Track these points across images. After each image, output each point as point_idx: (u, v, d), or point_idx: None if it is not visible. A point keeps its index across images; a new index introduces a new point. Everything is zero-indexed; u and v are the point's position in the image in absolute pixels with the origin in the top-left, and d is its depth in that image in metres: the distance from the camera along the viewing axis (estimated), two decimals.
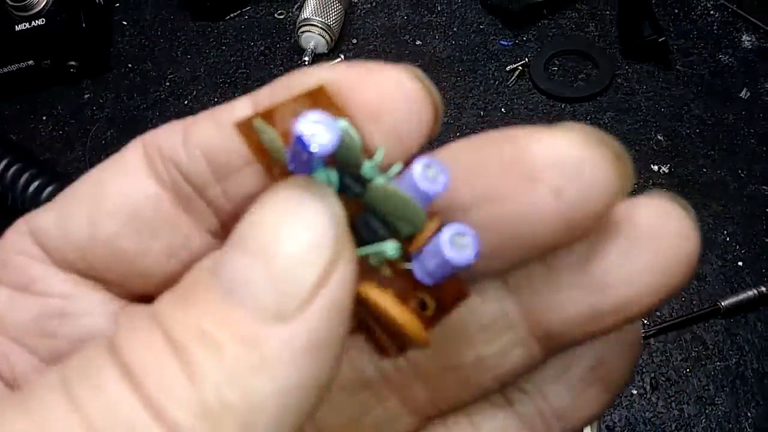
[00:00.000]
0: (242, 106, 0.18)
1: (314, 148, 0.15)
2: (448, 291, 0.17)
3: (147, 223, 0.18)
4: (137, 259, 0.18)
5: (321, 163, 0.16)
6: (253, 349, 0.14)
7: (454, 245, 0.15)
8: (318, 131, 0.15)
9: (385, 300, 0.16)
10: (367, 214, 0.16)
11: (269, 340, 0.14)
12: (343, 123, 0.16)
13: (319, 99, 0.16)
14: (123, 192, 0.18)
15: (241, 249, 0.15)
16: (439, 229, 0.16)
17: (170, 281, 0.17)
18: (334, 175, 0.16)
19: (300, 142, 0.15)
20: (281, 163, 0.16)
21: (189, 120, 0.18)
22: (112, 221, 0.18)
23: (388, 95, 0.17)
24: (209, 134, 0.17)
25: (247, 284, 0.15)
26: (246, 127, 0.17)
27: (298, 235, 0.15)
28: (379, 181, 0.16)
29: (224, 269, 0.15)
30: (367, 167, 0.16)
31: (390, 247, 0.16)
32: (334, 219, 0.15)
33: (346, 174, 0.16)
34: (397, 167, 0.16)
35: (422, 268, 0.16)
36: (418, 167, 0.16)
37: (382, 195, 0.16)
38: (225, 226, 0.18)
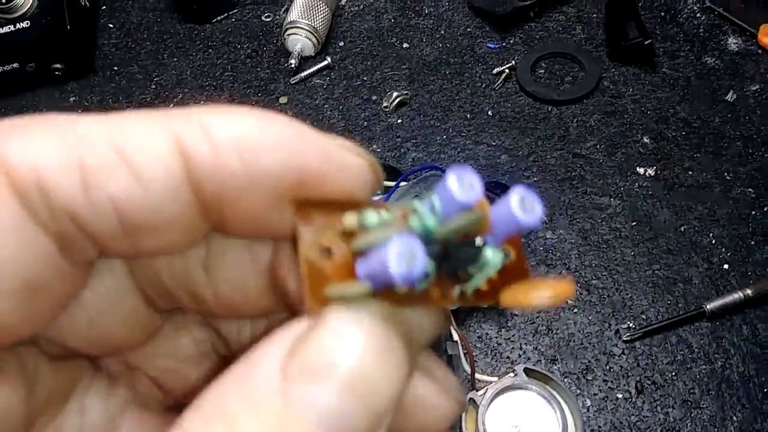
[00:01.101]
0: (153, 140, 0.15)
1: (416, 272, 0.15)
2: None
3: (33, 281, 0.15)
4: (28, 320, 0.16)
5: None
6: None
7: (524, 208, 0.16)
8: (407, 261, 0.15)
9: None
10: (452, 254, 0.17)
11: None
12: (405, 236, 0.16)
13: (310, 206, 0.17)
14: (12, 265, 0.15)
15: (338, 386, 0.15)
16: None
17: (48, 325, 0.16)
18: (427, 263, 0.16)
19: (404, 278, 0.15)
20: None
21: (81, 150, 0.15)
22: (8, 301, 0.15)
23: (350, 183, 0.17)
24: (122, 189, 0.15)
25: (343, 416, 0.15)
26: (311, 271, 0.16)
27: (386, 370, 0.15)
28: (438, 229, 0.16)
29: (309, 399, 0.15)
30: (430, 224, 0.16)
31: (495, 255, 0.17)
32: (406, 348, 0.16)
33: (420, 241, 0.16)
34: (420, 205, 0.17)
35: (491, 240, 0.17)
36: (515, 198, 0.16)
37: (451, 231, 0.16)
38: (108, 257, 0.17)
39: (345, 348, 0.15)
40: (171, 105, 0.75)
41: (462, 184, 0.16)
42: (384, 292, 0.16)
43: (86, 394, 0.19)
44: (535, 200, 0.16)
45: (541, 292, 0.16)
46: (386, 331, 0.15)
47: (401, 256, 0.15)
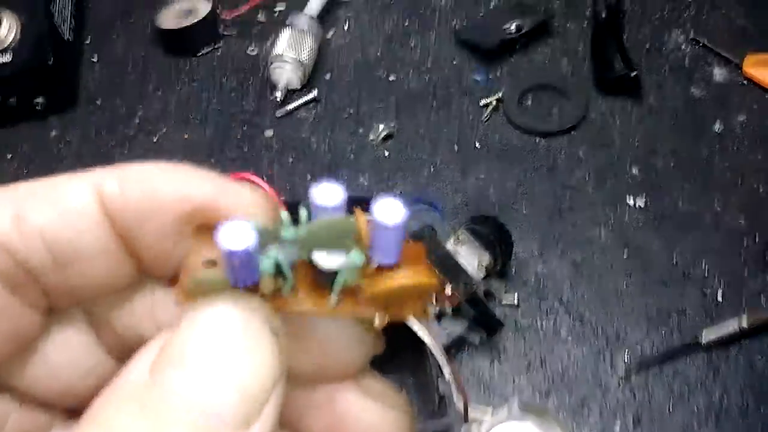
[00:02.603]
0: (79, 188, 0.18)
1: (246, 243, 0.16)
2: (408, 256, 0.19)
3: None
4: None
5: (257, 256, 0.17)
6: None
7: (385, 213, 0.17)
8: (237, 233, 0.16)
9: (394, 280, 0.18)
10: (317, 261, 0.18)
11: None
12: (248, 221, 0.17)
13: (206, 230, 0.18)
14: None
15: (195, 366, 0.16)
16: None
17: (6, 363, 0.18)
18: (273, 254, 0.17)
19: (234, 255, 0.16)
20: (224, 287, 0.17)
21: (13, 195, 0.18)
22: None
23: (242, 207, 0.19)
24: (47, 218, 0.17)
25: (206, 396, 0.16)
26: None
27: (252, 351, 0.16)
28: (301, 230, 0.18)
29: (175, 386, 0.16)
30: (287, 231, 0.18)
31: (354, 256, 0.17)
32: (275, 330, 0.17)
33: (280, 246, 0.17)
34: (284, 214, 0.18)
35: (380, 253, 0.18)
36: (377, 206, 0.17)
37: (313, 235, 0.17)
38: (59, 304, 0.19)
39: (202, 330, 0.16)
40: (155, 139, 0.74)
41: (324, 194, 0.17)
42: (249, 288, 0.17)
43: None
44: (396, 204, 0.17)
45: (402, 276, 0.18)
46: (245, 314, 0.17)
47: (228, 233, 0.16)
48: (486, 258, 0.59)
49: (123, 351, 0.20)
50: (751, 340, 0.58)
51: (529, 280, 0.62)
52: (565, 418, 0.55)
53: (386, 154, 0.72)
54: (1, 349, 0.18)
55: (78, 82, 0.78)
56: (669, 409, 0.55)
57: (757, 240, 0.64)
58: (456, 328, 0.57)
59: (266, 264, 0.17)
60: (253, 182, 0.48)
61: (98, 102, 0.78)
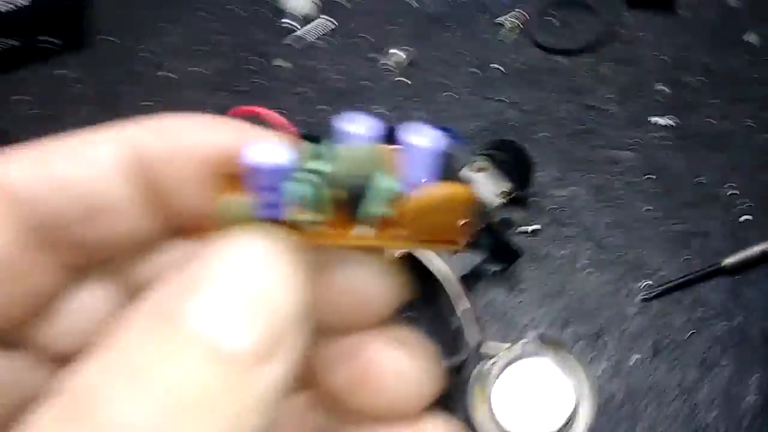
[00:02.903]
0: (103, 141, 0.18)
1: (276, 159, 0.16)
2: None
3: (4, 271, 0.17)
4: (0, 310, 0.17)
5: (284, 180, 0.16)
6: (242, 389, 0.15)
7: (416, 136, 0.17)
8: (267, 150, 0.16)
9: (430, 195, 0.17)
10: (350, 185, 0.17)
11: (251, 381, 0.15)
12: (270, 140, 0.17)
13: (232, 179, 0.17)
14: None
15: (216, 291, 0.15)
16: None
17: (23, 322, 0.18)
18: (301, 178, 0.17)
19: (263, 172, 0.16)
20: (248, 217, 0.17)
21: (38, 150, 0.17)
22: None
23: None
24: (73, 171, 0.17)
25: (230, 327, 0.15)
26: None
27: (276, 281, 0.16)
28: (326, 160, 0.17)
29: (190, 315, 0.15)
30: (312, 161, 0.17)
31: (382, 180, 0.17)
32: (300, 263, 0.16)
33: (306, 174, 0.17)
34: (307, 145, 0.17)
35: (410, 181, 0.17)
36: (407, 131, 0.17)
37: (339, 164, 0.17)
38: (82, 260, 0.19)
39: (224, 258, 0.16)
40: (165, 73, 0.74)
41: (353, 124, 0.17)
42: (277, 222, 0.17)
43: None
44: (427, 128, 0.17)
45: (434, 191, 0.17)
46: (270, 243, 0.16)
47: (257, 150, 0.16)
48: (505, 185, 0.58)
49: None
50: None
51: (549, 206, 0.62)
52: (583, 347, 0.55)
53: (403, 80, 0.71)
54: (22, 308, 0.18)
55: (88, 20, 0.77)
56: (689, 336, 0.55)
57: None
58: (472, 259, 0.57)
59: (293, 190, 0.16)
60: (265, 116, 0.48)
61: (111, 38, 0.77)
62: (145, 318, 0.15)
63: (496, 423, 0.49)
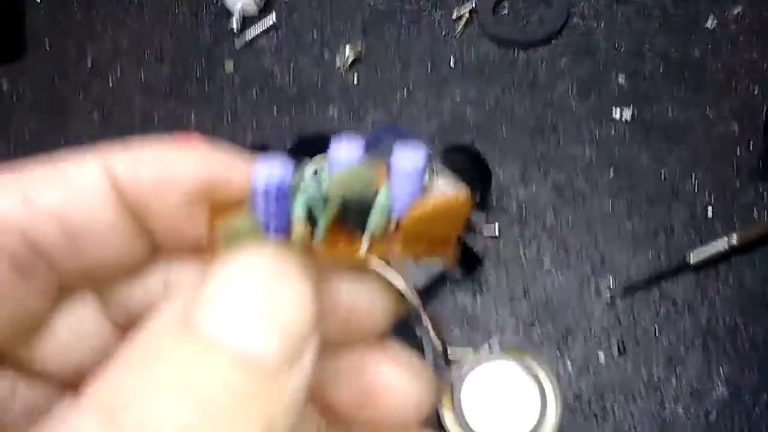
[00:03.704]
0: (88, 168, 0.18)
1: (281, 177, 0.17)
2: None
3: None
4: None
5: (289, 198, 0.18)
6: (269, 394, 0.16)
7: (403, 159, 0.18)
8: (269, 171, 0.17)
9: (424, 207, 0.18)
10: (346, 203, 0.18)
11: (280, 387, 0.16)
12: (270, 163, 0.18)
13: (221, 209, 0.19)
14: None
15: (238, 303, 0.16)
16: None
17: (8, 342, 0.18)
18: (305, 195, 0.18)
19: (269, 191, 0.17)
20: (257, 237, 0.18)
21: (22, 176, 0.18)
22: None
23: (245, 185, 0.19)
24: (57, 198, 0.18)
25: (254, 337, 0.16)
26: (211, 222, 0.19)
27: (291, 293, 0.17)
28: (324, 181, 0.18)
29: (212, 328, 0.16)
30: (311, 183, 0.18)
31: (384, 198, 0.18)
32: (310, 276, 0.17)
33: (308, 192, 0.18)
34: (307, 167, 0.19)
35: (401, 199, 0.18)
36: (396, 156, 0.18)
37: (337, 184, 0.18)
38: (70, 285, 0.19)
39: (238, 274, 0.17)
40: (110, 82, 0.73)
41: (343, 147, 0.18)
42: (282, 239, 0.18)
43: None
44: (418, 148, 0.18)
45: (429, 200, 0.18)
46: (280, 258, 0.17)
47: (261, 171, 0.17)
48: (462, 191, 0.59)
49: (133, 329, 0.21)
50: (742, 257, 0.58)
51: (510, 207, 0.62)
52: (549, 347, 0.56)
53: (355, 80, 0.71)
54: (9, 330, 0.18)
55: (24, 27, 0.76)
56: (655, 334, 0.56)
57: (751, 147, 0.63)
58: (435, 266, 0.57)
59: (298, 207, 0.18)
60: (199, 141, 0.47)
61: (46, 47, 0.76)
62: (168, 329, 0.16)
63: (466, 427, 0.50)
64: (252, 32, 0.73)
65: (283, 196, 0.17)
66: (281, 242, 0.18)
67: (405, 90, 0.70)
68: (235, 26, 0.72)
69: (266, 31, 0.73)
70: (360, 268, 0.20)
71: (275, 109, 0.70)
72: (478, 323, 0.58)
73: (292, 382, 0.16)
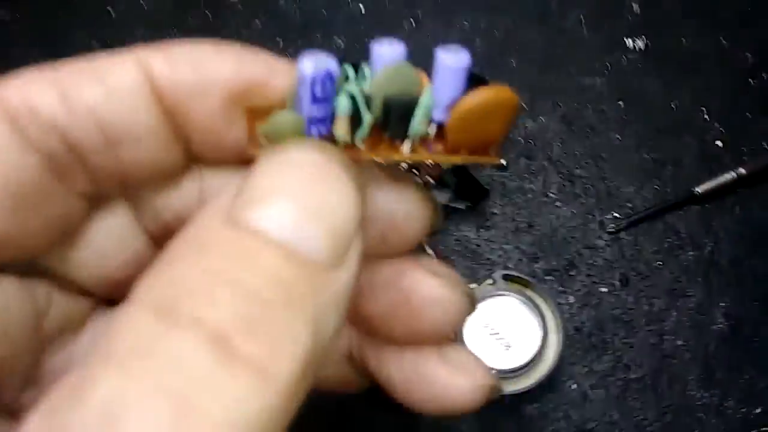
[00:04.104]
0: (126, 67, 0.18)
1: (328, 65, 0.17)
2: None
3: (25, 200, 0.17)
4: (18, 235, 0.18)
5: (334, 91, 0.17)
6: (322, 289, 0.16)
7: (449, 56, 0.18)
8: (317, 60, 0.17)
9: (468, 102, 0.18)
10: (389, 101, 0.18)
11: (328, 283, 0.16)
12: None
13: (258, 113, 0.18)
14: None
15: (288, 201, 0.16)
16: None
17: (44, 250, 0.18)
18: (349, 89, 0.18)
19: (316, 79, 0.17)
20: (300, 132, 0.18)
21: (60, 73, 0.17)
22: None
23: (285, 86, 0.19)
24: (96, 97, 0.17)
25: (302, 233, 0.16)
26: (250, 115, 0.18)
27: (337, 190, 0.17)
28: (365, 73, 0.18)
29: (260, 223, 0.15)
30: (352, 83, 0.18)
31: (428, 96, 0.18)
32: (355, 176, 0.17)
33: (352, 90, 0.18)
34: (347, 67, 0.18)
35: (441, 103, 0.18)
36: (441, 53, 0.18)
37: (379, 84, 0.18)
38: (105, 189, 0.19)
39: (284, 170, 0.16)
40: (111, 13, 0.72)
41: (386, 45, 0.18)
42: (326, 138, 0.18)
43: (98, 326, 0.21)
44: (460, 49, 0.18)
45: (476, 95, 0.17)
46: (326, 155, 0.17)
47: (310, 59, 0.17)
48: None
49: (168, 238, 0.20)
50: (749, 190, 0.57)
51: (518, 138, 0.62)
52: (552, 281, 0.56)
53: (362, 8, 0.69)
54: (45, 237, 0.18)
55: None
56: (658, 266, 0.56)
57: (764, 78, 0.62)
58: (439, 197, 0.57)
59: (343, 102, 0.17)
60: None
61: None
62: (216, 225, 0.16)
63: None
64: None
65: (331, 86, 0.17)
66: (324, 141, 0.18)
67: (412, 19, 0.68)
68: None
69: None
70: (398, 176, 0.20)
71: (281, 41, 0.69)
72: (481, 256, 0.58)
73: (340, 279, 0.16)
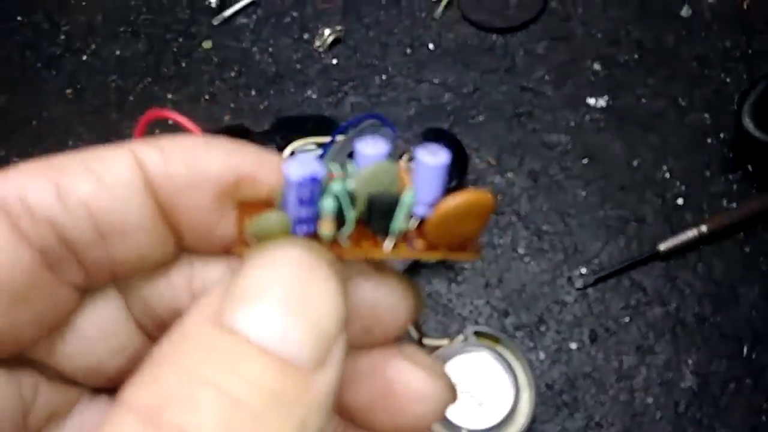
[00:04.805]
0: (121, 161, 0.17)
1: (314, 170, 0.17)
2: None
3: (17, 294, 0.17)
4: (10, 331, 0.17)
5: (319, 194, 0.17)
6: (302, 393, 0.15)
7: (429, 155, 0.18)
8: (302, 164, 0.17)
9: (449, 204, 0.18)
10: (372, 200, 0.18)
11: (313, 386, 0.15)
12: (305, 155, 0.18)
13: (248, 207, 0.18)
14: None
15: (274, 303, 0.16)
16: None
17: (34, 342, 0.18)
18: (334, 188, 0.18)
19: (302, 184, 0.17)
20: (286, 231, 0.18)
21: (54, 167, 0.17)
22: None
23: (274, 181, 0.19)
24: (91, 192, 0.17)
25: (287, 333, 0.15)
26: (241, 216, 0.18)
27: (322, 290, 0.16)
28: (350, 177, 0.18)
29: (246, 326, 0.15)
30: (336, 181, 0.18)
31: (409, 195, 0.18)
32: (340, 274, 0.17)
33: (336, 190, 0.18)
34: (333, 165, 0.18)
35: (424, 196, 0.18)
36: (421, 153, 0.18)
37: (362, 182, 0.18)
38: (96, 281, 0.19)
39: (271, 270, 0.16)
40: (84, 57, 0.69)
41: (369, 144, 0.18)
42: (310, 237, 0.18)
43: (84, 415, 0.21)
44: (439, 148, 0.18)
45: (456, 197, 0.18)
46: (312, 255, 0.17)
47: (295, 163, 0.17)
48: None
49: (156, 328, 0.20)
50: (711, 247, 0.57)
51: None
52: (522, 337, 0.55)
53: (334, 61, 0.68)
54: (35, 329, 0.18)
55: None
56: (625, 322, 0.55)
57: (720, 137, 0.62)
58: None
59: (328, 202, 0.17)
60: (175, 120, 0.44)
61: (18, 18, 0.71)
62: (202, 329, 0.16)
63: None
64: (230, 9, 0.69)
65: (316, 189, 0.17)
66: (310, 239, 0.18)
67: (383, 74, 0.67)
68: (213, 2, 0.68)
69: (245, 8, 0.70)
70: (379, 266, 0.20)
71: (253, 90, 0.66)
72: (452, 312, 0.56)
73: (324, 381, 0.16)
